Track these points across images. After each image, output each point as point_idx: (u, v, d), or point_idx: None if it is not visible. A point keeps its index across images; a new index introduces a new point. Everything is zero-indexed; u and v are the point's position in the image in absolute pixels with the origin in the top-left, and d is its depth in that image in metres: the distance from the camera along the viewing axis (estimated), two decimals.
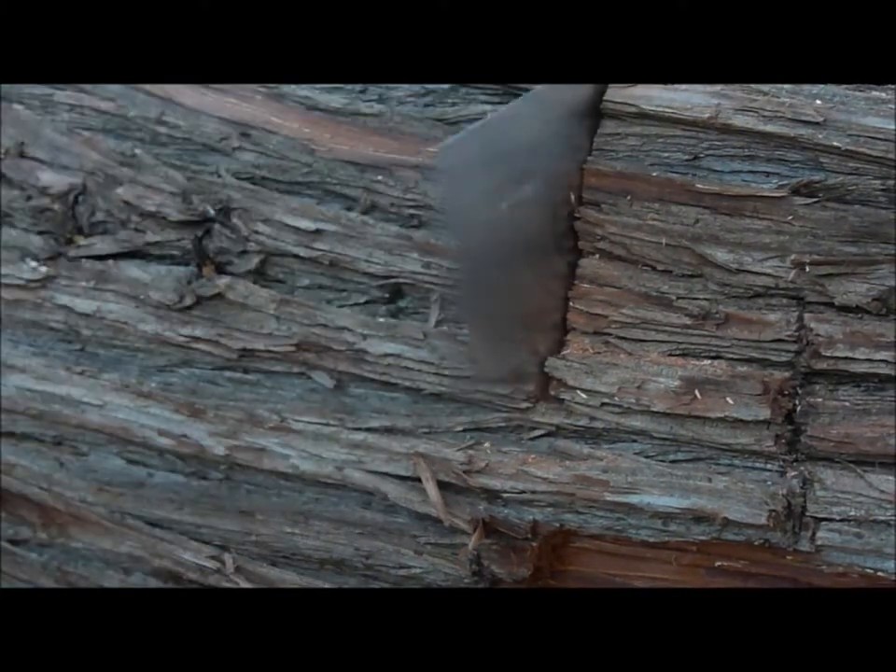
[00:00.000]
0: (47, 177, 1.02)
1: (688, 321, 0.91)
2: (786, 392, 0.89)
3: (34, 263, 1.03)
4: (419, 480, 0.94)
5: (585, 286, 0.93)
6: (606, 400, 0.92)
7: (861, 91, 0.89)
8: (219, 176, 0.99)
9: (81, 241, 1.03)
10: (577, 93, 0.90)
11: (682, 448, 0.91)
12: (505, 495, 0.93)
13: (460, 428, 0.95)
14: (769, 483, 0.89)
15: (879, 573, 0.88)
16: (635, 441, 0.92)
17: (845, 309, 0.89)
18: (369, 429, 0.96)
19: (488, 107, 0.94)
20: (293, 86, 0.96)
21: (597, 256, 0.93)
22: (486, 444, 0.94)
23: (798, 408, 0.90)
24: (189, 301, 0.99)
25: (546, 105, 0.89)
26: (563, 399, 0.92)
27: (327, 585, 0.97)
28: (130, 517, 1.00)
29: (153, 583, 0.97)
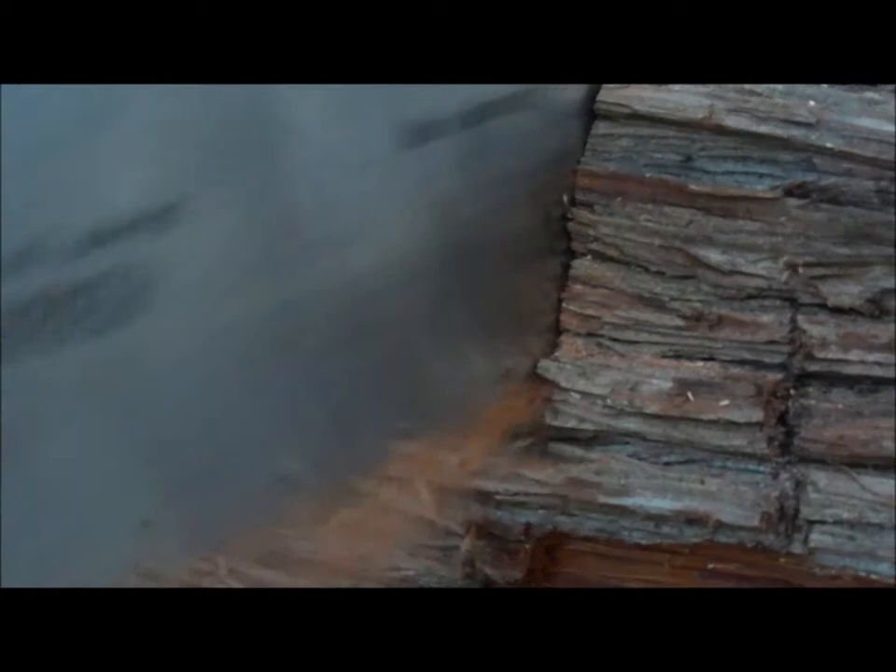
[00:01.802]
0: None
1: (681, 323, 0.91)
2: (779, 394, 0.89)
3: None
4: (411, 481, 0.94)
5: (578, 287, 0.93)
6: (598, 402, 0.91)
7: (854, 91, 0.89)
8: None
9: None
10: None
11: (675, 450, 0.91)
12: (498, 497, 0.93)
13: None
14: (762, 485, 0.89)
15: (872, 576, 0.88)
16: (627, 443, 0.92)
17: (838, 311, 0.89)
18: None
19: None
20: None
21: (590, 257, 0.93)
22: (479, 446, 0.94)
23: (791, 410, 0.89)
24: None
25: None
26: (555, 401, 0.92)
27: (318, 586, 0.97)
28: None
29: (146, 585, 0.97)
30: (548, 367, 0.92)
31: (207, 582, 0.96)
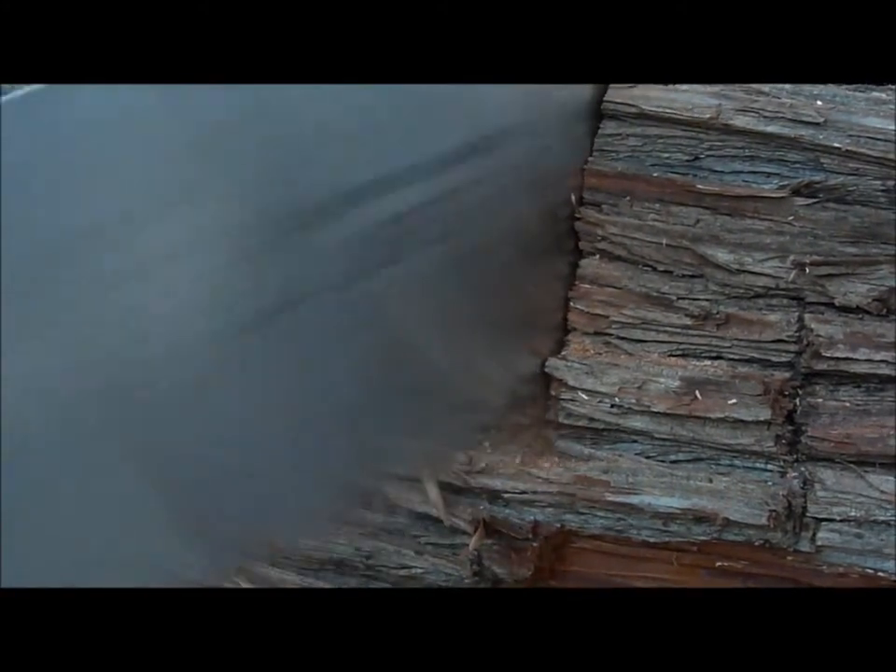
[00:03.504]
0: None
1: (688, 321, 0.91)
2: (786, 392, 0.89)
3: None
4: (420, 480, 0.94)
5: (586, 286, 0.93)
6: (606, 401, 0.92)
7: (861, 91, 0.89)
8: None
9: None
10: None
11: (683, 448, 0.91)
12: (506, 495, 0.93)
13: None
14: (770, 483, 0.90)
15: (880, 573, 0.88)
16: (635, 441, 0.92)
17: (845, 309, 0.89)
18: None
19: None
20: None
21: (598, 256, 0.93)
22: (487, 444, 0.94)
23: (798, 408, 0.90)
24: None
25: None
26: (563, 400, 0.92)
27: (327, 586, 0.97)
28: None
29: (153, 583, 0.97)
30: (556, 365, 0.93)
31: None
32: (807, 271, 0.89)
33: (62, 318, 0.71)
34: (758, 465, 0.90)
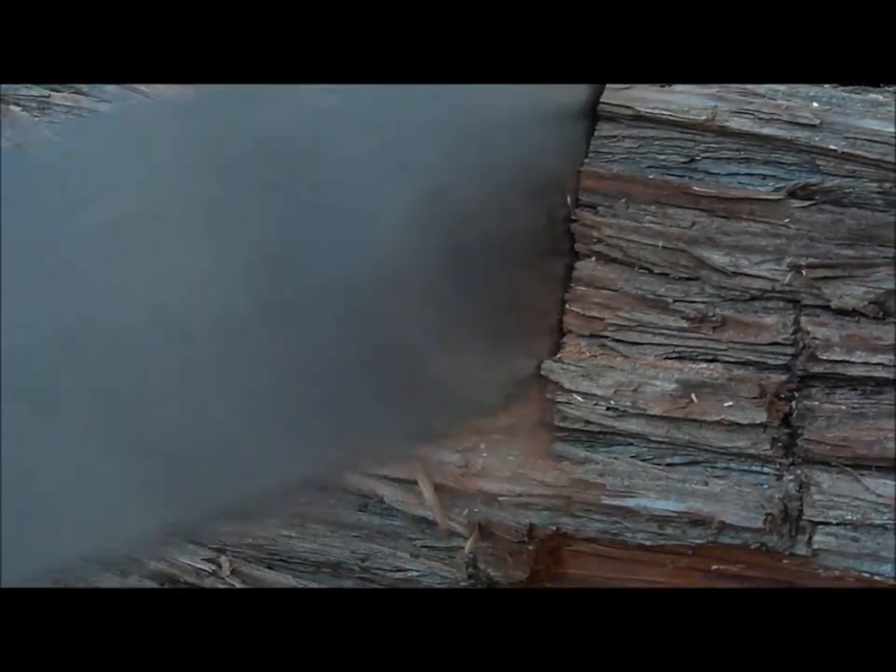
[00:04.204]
0: None
1: (684, 324, 0.91)
2: (782, 395, 0.89)
3: None
4: (415, 482, 0.94)
5: (581, 288, 0.93)
6: (602, 403, 0.91)
7: (858, 93, 0.89)
8: None
9: None
10: None
11: (679, 451, 0.91)
12: (501, 498, 0.93)
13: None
14: (766, 486, 0.89)
15: (876, 577, 0.88)
16: (631, 444, 0.92)
17: (841, 312, 0.89)
18: None
19: None
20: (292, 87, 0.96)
21: (593, 258, 0.93)
22: (482, 447, 0.94)
23: (795, 411, 0.89)
24: None
25: None
26: (559, 403, 0.92)
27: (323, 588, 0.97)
28: None
29: (149, 586, 0.97)
30: (552, 368, 0.92)
31: (210, 583, 0.96)
32: (804, 273, 0.89)
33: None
34: (754, 468, 0.90)
